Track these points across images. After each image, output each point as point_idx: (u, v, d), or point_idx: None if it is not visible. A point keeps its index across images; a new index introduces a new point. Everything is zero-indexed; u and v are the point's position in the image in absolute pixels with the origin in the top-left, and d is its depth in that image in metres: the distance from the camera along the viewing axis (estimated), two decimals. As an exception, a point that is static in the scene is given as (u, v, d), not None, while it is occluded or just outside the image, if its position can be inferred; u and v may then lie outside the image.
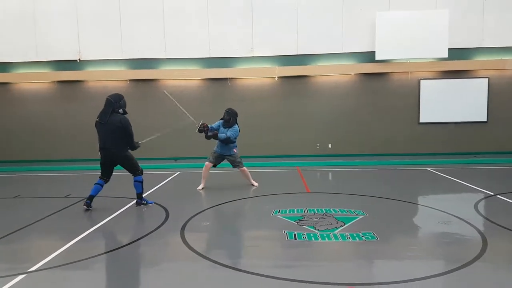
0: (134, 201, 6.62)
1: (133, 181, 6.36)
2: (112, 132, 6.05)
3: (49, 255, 4.28)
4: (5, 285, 3.54)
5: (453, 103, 10.84)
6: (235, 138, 7.49)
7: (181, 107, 7.37)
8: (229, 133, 7.30)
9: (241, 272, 3.76)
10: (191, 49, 11.00)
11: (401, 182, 8.26)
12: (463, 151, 10.97)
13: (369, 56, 10.75)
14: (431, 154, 10.95)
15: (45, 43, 11.13)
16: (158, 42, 11.03)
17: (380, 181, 8.39)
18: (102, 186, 6.31)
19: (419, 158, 10.79)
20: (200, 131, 7.22)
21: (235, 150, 7.55)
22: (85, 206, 6.18)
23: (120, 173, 6.67)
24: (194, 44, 10.98)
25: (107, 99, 6.16)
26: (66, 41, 11.08)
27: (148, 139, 6.93)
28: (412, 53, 10.48)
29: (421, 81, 10.89)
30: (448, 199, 6.94)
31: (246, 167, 7.75)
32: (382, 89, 11.03)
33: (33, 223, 5.58)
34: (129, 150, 6.32)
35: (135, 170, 6.33)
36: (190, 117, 7.23)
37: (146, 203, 6.44)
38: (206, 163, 7.60)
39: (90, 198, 6.21)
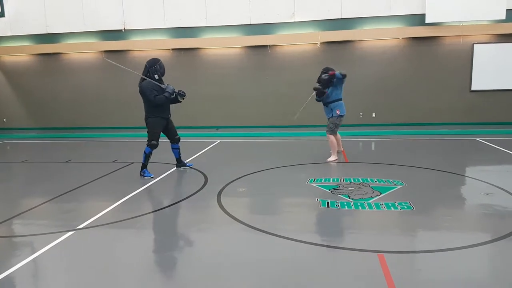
0: (185, 167, 7.01)
1: None
2: (141, 97, 6.36)
3: (96, 214, 4.64)
4: (56, 239, 3.92)
5: (509, 69, 9.97)
6: (341, 78, 6.82)
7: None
8: (337, 73, 6.82)
9: (270, 235, 3.88)
10: (232, 16, 10.86)
11: (446, 152, 7.89)
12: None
13: (418, 19, 10.07)
14: (482, 123, 10.27)
15: (91, 14, 11.48)
16: (199, 9, 11.00)
17: (424, 151, 8.08)
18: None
19: (469, 128, 10.19)
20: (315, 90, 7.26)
21: (338, 112, 6.98)
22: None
23: (161, 140, 6.95)
24: (235, 10, 10.83)
25: (144, 65, 6.37)
26: (111, 11, 11.36)
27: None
28: (466, 15, 9.64)
29: (475, 45, 10.08)
30: (494, 170, 6.58)
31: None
32: (432, 55, 10.36)
33: (83, 185, 6.03)
34: (156, 116, 6.32)
35: (148, 138, 6.41)
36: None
37: (144, 175, 6.38)
38: None
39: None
